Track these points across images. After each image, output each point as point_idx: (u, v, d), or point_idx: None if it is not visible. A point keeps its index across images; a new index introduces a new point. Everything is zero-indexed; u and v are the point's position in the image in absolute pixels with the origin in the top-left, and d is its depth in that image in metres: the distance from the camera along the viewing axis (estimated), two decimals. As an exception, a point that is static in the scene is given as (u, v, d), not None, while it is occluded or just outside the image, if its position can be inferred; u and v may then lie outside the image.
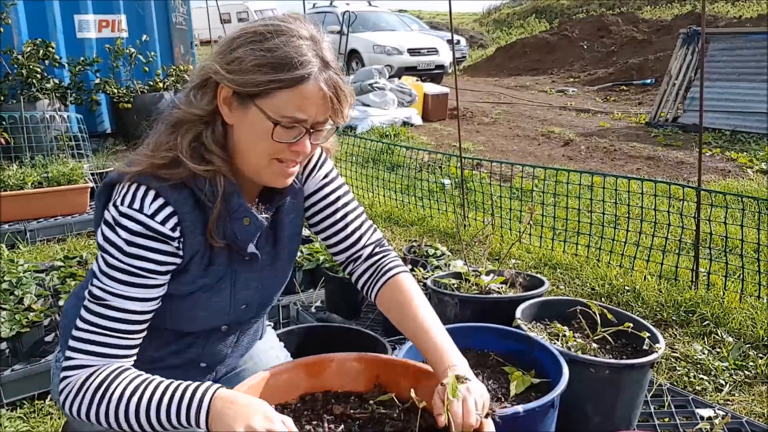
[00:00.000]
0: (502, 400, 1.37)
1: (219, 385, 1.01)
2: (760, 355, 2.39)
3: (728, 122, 6.95)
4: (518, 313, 1.78)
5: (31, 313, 2.18)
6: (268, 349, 1.47)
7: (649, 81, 11.45)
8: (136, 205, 1.02)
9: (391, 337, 2.15)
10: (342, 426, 1.08)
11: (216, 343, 1.26)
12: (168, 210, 1.03)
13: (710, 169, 5.56)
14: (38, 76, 5.21)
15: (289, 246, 1.25)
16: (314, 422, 1.08)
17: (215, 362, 1.30)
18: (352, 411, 1.10)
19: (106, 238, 1.03)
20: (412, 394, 1.06)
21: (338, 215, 1.28)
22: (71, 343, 1.04)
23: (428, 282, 2.12)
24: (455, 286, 2.08)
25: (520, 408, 1.25)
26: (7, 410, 2.00)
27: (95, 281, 1.05)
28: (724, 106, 7.03)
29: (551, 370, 1.44)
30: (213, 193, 1.05)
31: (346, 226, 1.29)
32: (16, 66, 5.16)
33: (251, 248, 1.13)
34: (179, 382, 1.01)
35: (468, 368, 1.09)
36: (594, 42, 15.17)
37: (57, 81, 5.49)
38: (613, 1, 19.47)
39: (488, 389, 1.40)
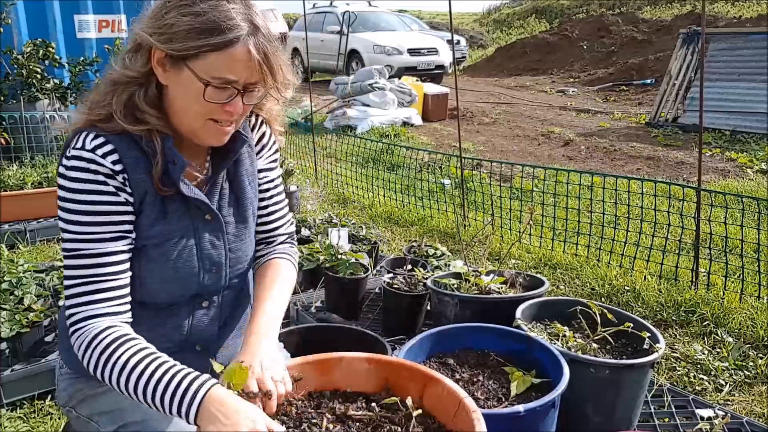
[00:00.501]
0: (503, 399, 1.37)
1: (215, 381, 1.01)
2: (760, 355, 2.39)
3: (728, 122, 6.95)
4: (518, 313, 1.78)
5: (31, 314, 2.18)
6: None
7: (649, 81, 11.44)
8: (79, 145, 1.09)
9: (391, 337, 2.15)
10: (340, 426, 1.08)
11: (202, 320, 1.27)
12: (108, 147, 1.09)
13: (710, 169, 5.56)
14: (38, 76, 5.20)
15: (251, 209, 1.31)
16: (314, 420, 1.09)
17: (209, 343, 1.30)
18: (353, 412, 1.10)
19: (60, 187, 1.09)
20: (408, 401, 1.07)
21: (272, 201, 1.37)
22: (66, 302, 1.09)
23: (428, 282, 2.12)
24: (455, 286, 2.08)
25: (520, 408, 1.25)
26: (7, 410, 2.00)
27: (64, 235, 1.09)
28: (724, 106, 7.03)
29: (551, 370, 1.44)
30: (152, 148, 1.12)
31: (274, 212, 1.38)
32: (16, 66, 5.15)
33: (186, 190, 1.16)
34: (180, 368, 1.03)
35: (265, 356, 1.12)
36: (594, 42, 15.17)
37: (57, 81, 5.48)
38: (613, 1, 19.46)
39: (489, 389, 1.41)
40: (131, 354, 1.03)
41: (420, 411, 1.06)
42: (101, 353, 1.03)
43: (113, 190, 1.09)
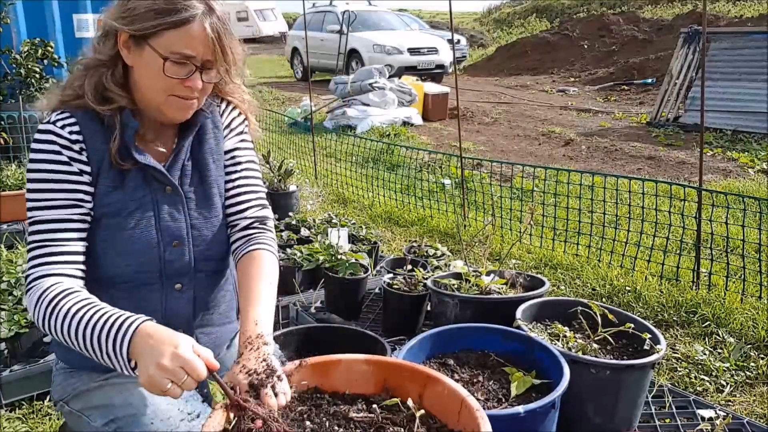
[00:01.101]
0: (503, 400, 1.36)
1: (147, 318, 1.03)
2: (762, 355, 2.39)
3: (729, 122, 6.95)
4: (519, 313, 1.78)
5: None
6: None
7: (650, 81, 11.44)
8: (45, 120, 1.19)
9: (391, 337, 2.15)
10: (342, 429, 1.07)
11: (176, 303, 1.27)
12: (70, 120, 1.18)
13: (711, 169, 5.55)
14: (37, 75, 5.19)
15: (216, 187, 1.32)
16: (316, 422, 1.08)
17: (187, 328, 1.28)
18: (354, 415, 1.10)
19: (28, 161, 1.17)
20: (410, 402, 1.06)
21: (235, 182, 1.36)
22: (25, 265, 1.16)
23: (428, 282, 2.12)
24: (455, 286, 2.07)
25: (521, 408, 1.25)
26: (6, 411, 1.99)
27: (27, 204, 1.16)
28: (726, 105, 7.02)
29: (552, 370, 1.44)
30: (113, 122, 1.19)
31: (238, 194, 1.36)
32: (14, 65, 5.14)
33: (141, 158, 1.20)
34: (118, 312, 1.05)
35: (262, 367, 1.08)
36: (595, 41, 15.16)
37: (56, 80, 5.48)
38: (613, 0, 19.46)
39: (489, 390, 1.40)
40: (73, 304, 1.07)
41: (422, 411, 1.05)
42: (47, 306, 1.08)
43: (66, 159, 1.16)
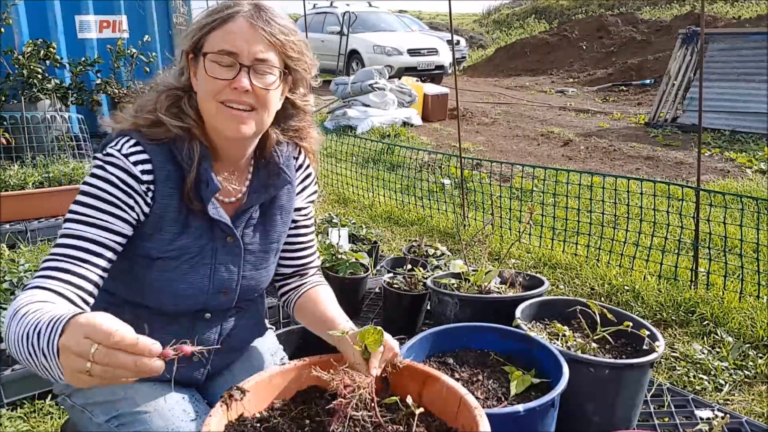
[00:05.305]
0: (502, 399, 1.37)
1: (80, 311, 0.84)
2: (760, 354, 2.40)
3: (727, 122, 6.96)
4: (518, 312, 1.79)
5: (32, 313, 2.18)
6: (264, 351, 1.47)
7: (648, 81, 11.45)
8: (117, 147, 1.12)
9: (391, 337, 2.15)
10: (342, 427, 1.08)
11: (202, 332, 1.27)
12: (143, 156, 1.12)
13: (709, 169, 5.57)
14: (39, 76, 5.20)
15: (277, 243, 1.32)
16: (317, 419, 1.09)
17: (207, 354, 1.29)
18: (353, 413, 1.11)
19: (86, 175, 1.14)
20: (409, 400, 1.08)
21: (307, 237, 1.42)
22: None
23: (428, 282, 2.13)
24: (455, 285, 2.08)
25: (520, 407, 1.26)
26: (7, 410, 2.00)
27: (66, 216, 1.10)
28: (724, 106, 7.03)
29: (551, 369, 1.45)
30: (190, 157, 1.14)
31: (309, 247, 1.44)
32: (17, 66, 5.15)
33: (213, 212, 1.17)
34: (59, 311, 0.87)
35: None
36: (593, 42, 15.18)
37: (58, 81, 5.49)
38: (612, 1, 19.47)
39: (488, 389, 1.41)
40: (25, 312, 0.90)
41: (422, 409, 1.06)
42: (10, 315, 0.93)
43: (127, 189, 1.10)
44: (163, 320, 1.23)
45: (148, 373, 0.77)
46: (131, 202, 1.10)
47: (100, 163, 1.11)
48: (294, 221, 1.38)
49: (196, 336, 1.26)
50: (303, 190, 1.38)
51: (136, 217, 1.12)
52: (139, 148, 1.12)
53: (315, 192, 1.42)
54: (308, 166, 1.38)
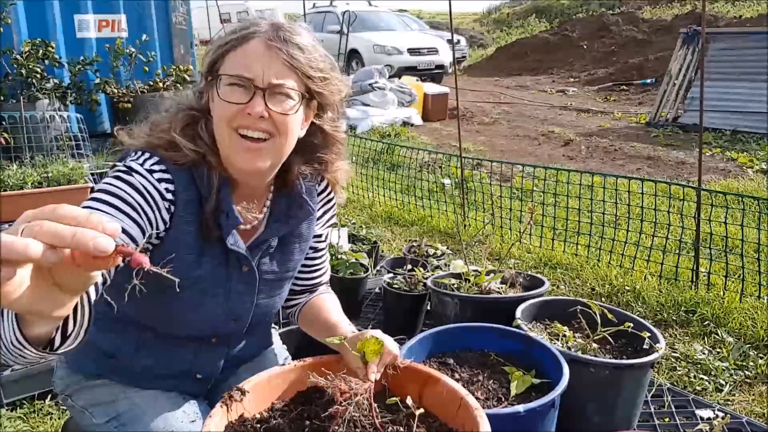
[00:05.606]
0: (503, 399, 1.36)
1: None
2: (761, 355, 2.39)
3: (729, 122, 6.95)
4: (518, 313, 1.78)
5: (31, 313, 2.17)
6: (268, 352, 1.47)
7: (649, 81, 11.44)
8: (139, 161, 1.06)
9: (391, 337, 2.15)
10: (341, 428, 1.07)
11: (207, 354, 1.26)
12: (167, 176, 1.06)
13: (710, 169, 5.56)
14: (38, 76, 5.20)
15: (292, 271, 1.30)
16: (317, 420, 1.08)
17: (210, 374, 1.29)
18: (354, 413, 1.10)
19: (106, 177, 1.04)
20: (409, 401, 1.07)
21: (321, 259, 1.40)
22: None
23: (428, 282, 2.12)
24: (455, 286, 2.08)
25: (520, 408, 1.25)
26: (7, 410, 2.00)
27: None
28: (725, 105, 7.03)
29: (551, 370, 1.44)
30: (209, 184, 1.09)
31: (321, 267, 1.41)
32: (15, 66, 5.15)
33: (231, 243, 1.12)
34: None
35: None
36: (594, 42, 15.17)
37: (57, 81, 5.49)
38: (613, 1, 19.47)
39: (489, 389, 1.40)
40: None
41: (422, 410, 1.06)
42: None
43: (149, 199, 1.02)
44: (170, 342, 1.22)
45: (91, 249, 0.55)
46: (151, 213, 1.03)
47: (124, 169, 1.03)
48: (311, 247, 1.34)
49: (203, 358, 1.25)
50: (323, 215, 1.33)
51: (150, 231, 1.04)
52: (162, 167, 1.06)
53: (334, 216, 1.38)
54: (330, 192, 1.32)
